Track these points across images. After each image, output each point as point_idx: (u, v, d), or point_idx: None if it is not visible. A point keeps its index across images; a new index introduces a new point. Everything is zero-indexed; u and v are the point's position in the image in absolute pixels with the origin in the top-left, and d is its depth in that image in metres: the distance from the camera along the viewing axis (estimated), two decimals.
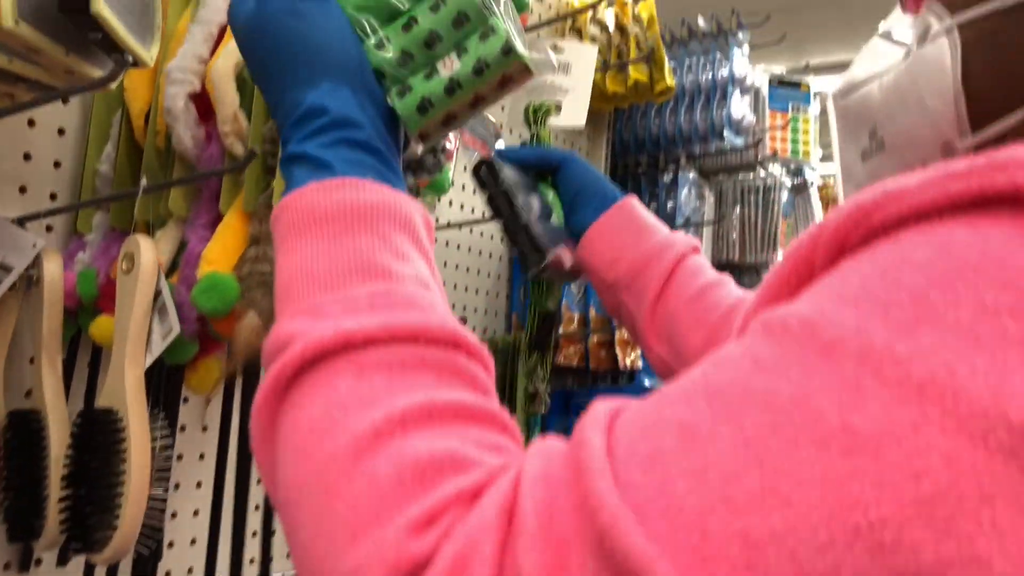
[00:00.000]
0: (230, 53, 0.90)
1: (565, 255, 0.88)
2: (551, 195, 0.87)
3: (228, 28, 0.94)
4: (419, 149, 0.60)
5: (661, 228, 0.86)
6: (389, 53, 0.56)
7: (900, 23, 0.57)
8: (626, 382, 1.69)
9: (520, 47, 0.57)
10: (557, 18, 1.78)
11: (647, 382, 1.70)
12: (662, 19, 1.89)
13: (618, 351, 1.64)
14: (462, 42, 0.56)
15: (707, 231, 2.07)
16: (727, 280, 0.85)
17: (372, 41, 0.56)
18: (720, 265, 2.13)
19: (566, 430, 1.38)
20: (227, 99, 0.89)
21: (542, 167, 0.89)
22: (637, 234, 0.84)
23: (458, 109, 0.57)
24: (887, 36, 0.58)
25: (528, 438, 1.49)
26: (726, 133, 1.92)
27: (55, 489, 0.89)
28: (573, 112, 1.41)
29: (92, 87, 0.73)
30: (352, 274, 0.46)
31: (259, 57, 0.55)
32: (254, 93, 0.90)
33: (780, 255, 2.16)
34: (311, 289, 0.47)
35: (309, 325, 0.44)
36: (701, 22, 2.07)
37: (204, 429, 1.21)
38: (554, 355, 1.66)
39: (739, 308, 0.80)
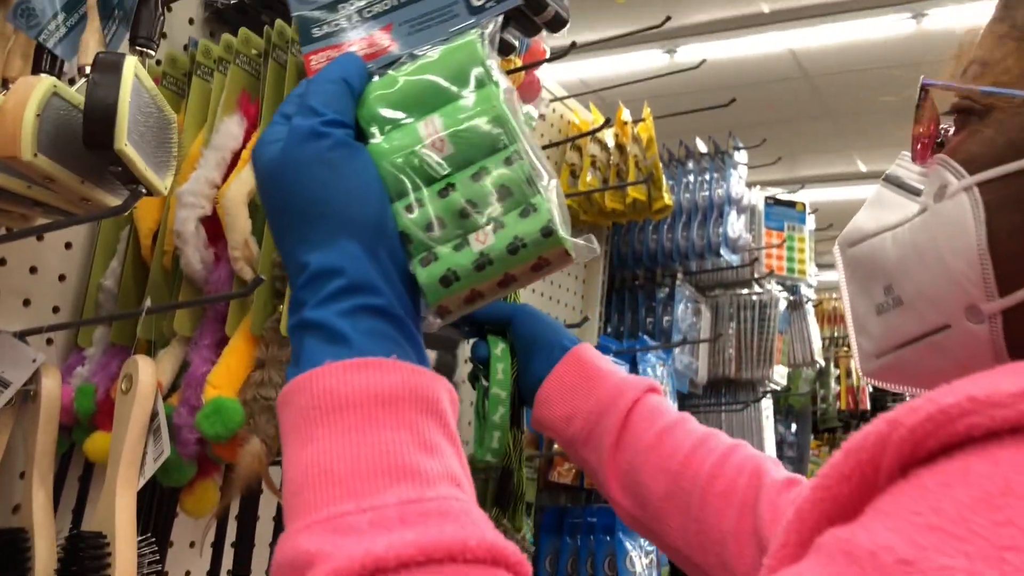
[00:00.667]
0: (243, 180, 0.92)
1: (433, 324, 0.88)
2: (500, 347, 0.83)
3: (241, 154, 0.96)
4: (436, 324, 0.54)
5: (614, 373, 0.81)
6: (418, 216, 0.51)
7: (908, 171, 0.55)
8: None
9: (561, 229, 0.52)
10: (562, 140, 1.83)
11: None
12: (660, 138, 1.93)
13: None
14: (500, 216, 0.52)
15: (703, 347, 2.08)
16: (686, 419, 0.80)
17: (403, 202, 0.51)
18: (716, 381, 2.13)
19: (558, 551, 1.34)
20: (239, 225, 0.90)
21: (493, 321, 0.85)
22: (589, 385, 0.80)
23: (485, 288, 0.52)
24: (895, 183, 0.56)
25: None
26: (722, 251, 1.95)
27: None
28: None
29: (108, 215, 0.74)
30: (378, 476, 0.42)
31: (278, 204, 0.51)
32: (265, 220, 0.92)
33: (776, 371, 2.16)
34: (332, 493, 0.41)
35: (333, 544, 0.39)
36: (699, 143, 2.12)
37: (191, 545, 1.18)
38: (548, 471, 1.64)
39: (702, 448, 0.75)
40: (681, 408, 1.93)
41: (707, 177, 2.02)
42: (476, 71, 0.54)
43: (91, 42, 0.77)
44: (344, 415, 0.43)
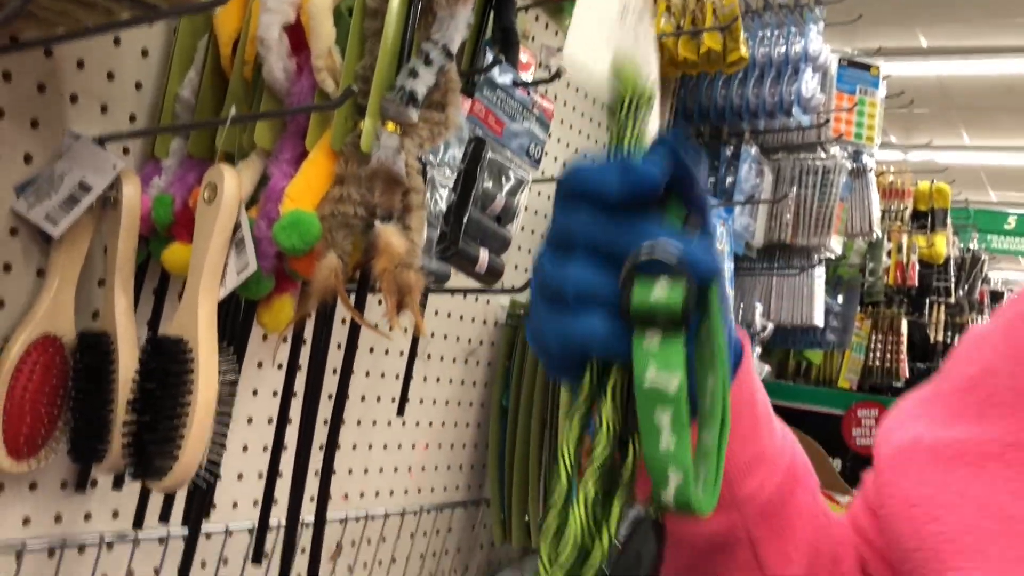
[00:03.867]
0: None
1: (483, 257, 0.96)
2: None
3: None
4: None
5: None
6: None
7: None
8: None
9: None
10: None
11: None
12: None
13: None
14: None
15: (762, 210, 2.04)
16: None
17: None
18: (772, 245, 2.10)
19: None
20: (323, 33, 0.87)
21: None
22: (767, 423, 0.54)
23: None
24: None
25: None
26: (794, 110, 1.88)
27: (121, 414, 0.89)
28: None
29: (198, 9, 0.71)
30: None
31: None
32: (350, 29, 0.88)
33: (834, 239, 2.12)
34: None
35: None
36: None
37: (259, 365, 1.20)
38: None
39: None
40: (736, 271, 1.92)
41: (784, 32, 1.93)
42: None
43: None
44: None
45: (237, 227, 0.89)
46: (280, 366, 1.15)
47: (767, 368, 2.06)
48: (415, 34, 0.89)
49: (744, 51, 1.75)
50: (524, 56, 1.50)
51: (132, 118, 1.01)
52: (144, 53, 1.01)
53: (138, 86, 1.01)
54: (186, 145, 0.99)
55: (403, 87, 0.87)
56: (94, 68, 0.96)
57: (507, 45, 1.25)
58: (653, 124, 0.47)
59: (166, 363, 0.85)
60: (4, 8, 0.64)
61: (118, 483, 1.01)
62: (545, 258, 0.44)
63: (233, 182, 0.86)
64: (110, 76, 0.98)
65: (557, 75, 1.12)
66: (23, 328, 0.91)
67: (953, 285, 3.77)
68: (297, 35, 0.90)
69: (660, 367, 0.39)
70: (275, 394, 1.19)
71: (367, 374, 1.34)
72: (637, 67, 0.48)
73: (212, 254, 0.87)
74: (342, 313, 0.96)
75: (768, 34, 1.94)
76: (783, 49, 1.92)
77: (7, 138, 0.90)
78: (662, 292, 0.39)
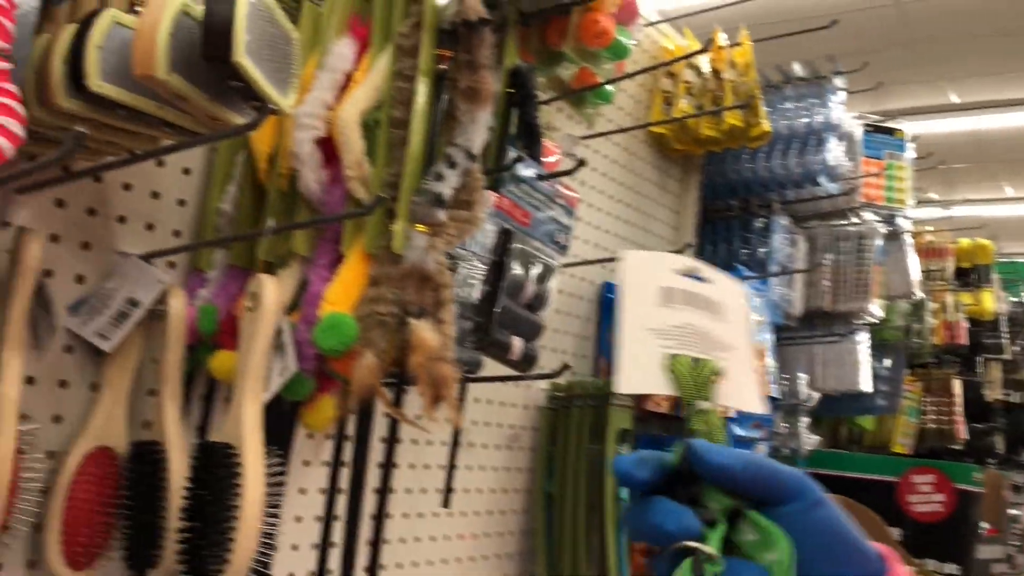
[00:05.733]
0: (356, 101, 0.93)
1: (517, 344, 1.05)
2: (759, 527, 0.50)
3: (353, 75, 0.97)
4: None
5: None
6: None
7: None
8: None
9: None
10: (654, 65, 1.79)
11: (738, 430, 1.68)
12: (756, 63, 1.88)
13: None
14: None
15: (799, 278, 2.04)
16: None
17: None
18: (811, 313, 2.10)
19: None
20: (353, 145, 0.92)
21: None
22: None
23: None
24: None
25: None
26: (821, 180, 1.90)
27: (173, 520, 0.91)
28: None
29: (236, 133, 0.76)
30: None
31: None
32: (378, 140, 0.93)
33: (872, 304, 2.11)
34: None
35: None
36: (797, 68, 2.06)
37: (306, 464, 1.22)
38: (643, 400, 1.65)
39: None
40: (777, 340, 1.92)
41: (805, 103, 1.96)
42: None
43: None
44: None
45: (279, 332, 0.92)
46: (326, 464, 1.18)
47: (817, 439, 2.03)
48: (439, 140, 0.94)
49: (766, 125, 1.78)
50: (549, 146, 1.55)
51: (176, 233, 1.06)
52: (186, 172, 1.07)
53: (181, 203, 1.06)
54: (228, 256, 1.04)
55: (430, 190, 0.91)
56: (140, 189, 1.02)
57: (531, 141, 1.30)
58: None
59: (214, 468, 0.87)
60: (60, 147, 0.69)
61: None
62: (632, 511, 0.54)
63: (273, 291, 0.90)
64: (155, 195, 1.04)
65: (578, 167, 1.16)
66: (79, 441, 0.95)
67: (1007, 341, 3.69)
68: (328, 148, 0.95)
69: None
70: (323, 492, 1.21)
71: (411, 466, 1.36)
72: (688, 361, 0.54)
73: (255, 360, 0.90)
74: (383, 409, 0.99)
75: (789, 106, 1.98)
76: (806, 120, 1.95)
77: (61, 261, 0.95)
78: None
